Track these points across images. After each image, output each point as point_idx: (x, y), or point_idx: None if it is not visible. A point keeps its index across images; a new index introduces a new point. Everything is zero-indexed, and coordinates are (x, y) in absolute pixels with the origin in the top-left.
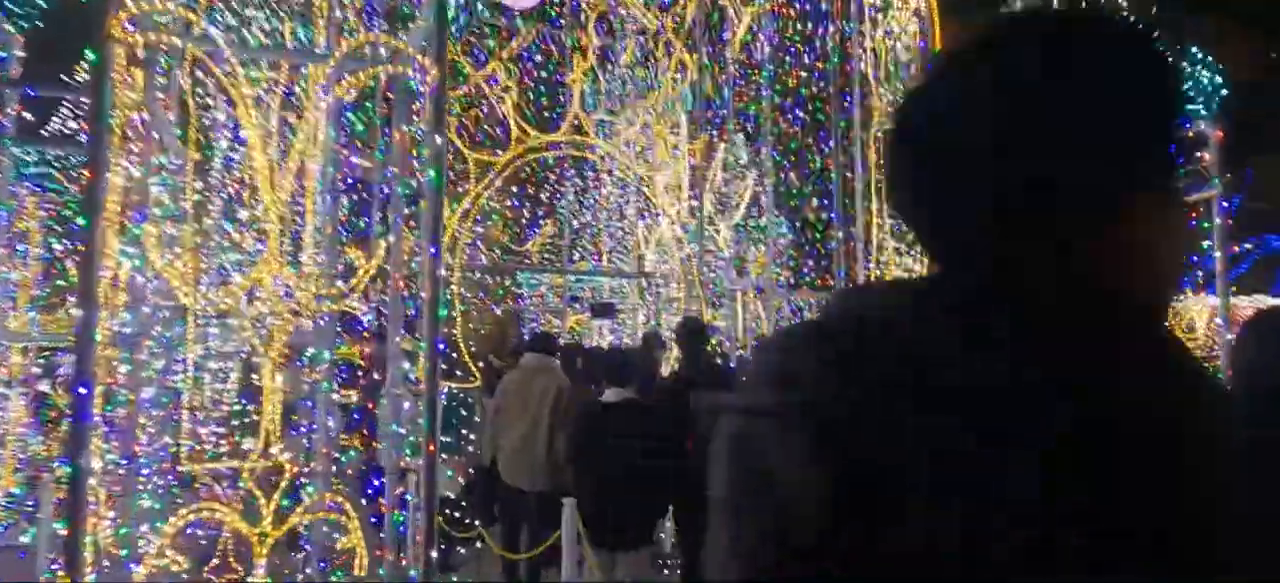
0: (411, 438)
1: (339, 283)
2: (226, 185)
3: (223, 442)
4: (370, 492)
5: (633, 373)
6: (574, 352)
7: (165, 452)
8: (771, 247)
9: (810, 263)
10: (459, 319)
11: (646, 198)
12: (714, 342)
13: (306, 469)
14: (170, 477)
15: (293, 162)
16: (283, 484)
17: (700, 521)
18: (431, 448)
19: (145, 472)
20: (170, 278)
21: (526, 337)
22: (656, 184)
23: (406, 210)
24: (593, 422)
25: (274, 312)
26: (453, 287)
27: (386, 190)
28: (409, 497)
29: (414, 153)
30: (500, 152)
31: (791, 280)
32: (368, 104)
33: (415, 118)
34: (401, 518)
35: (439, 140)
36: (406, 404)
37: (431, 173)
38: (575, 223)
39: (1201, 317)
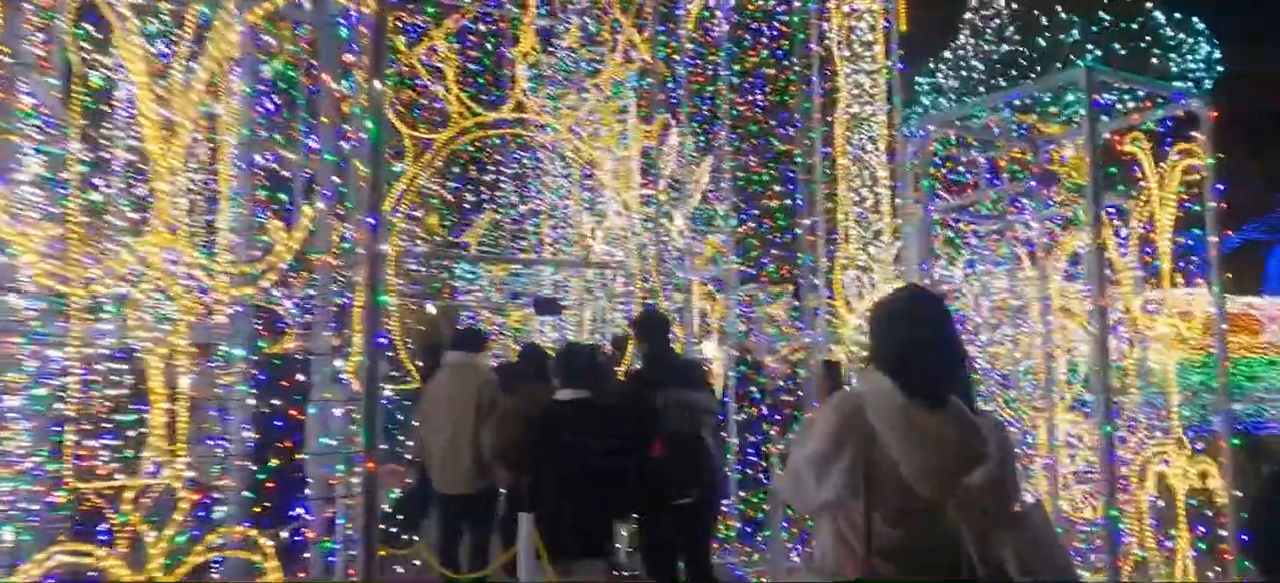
0: (344, 450)
1: (255, 266)
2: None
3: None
4: (291, 516)
5: (589, 370)
6: (535, 352)
7: (41, 471)
8: (730, 237)
9: (772, 253)
10: (395, 314)
11: (594, 186)
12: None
13: (211, 494)
14: (48, 502)
15: (186, 108)
16: (176, 516)
17: (666, 525)
18: (372, 465)
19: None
20: (24, 253)
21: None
22: (604, 171)
23: (335, 179)
24: (549, 421)
25: (174, 297)
26: (389, 276)
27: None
28: (340, 521)
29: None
30: (439, 129)
31: (751, 272)
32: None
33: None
34: (330, 546)
35: (378, 87)
36: (337, 411)
37: (369, 126)
38: (518, 211)
39: (1197, 307)
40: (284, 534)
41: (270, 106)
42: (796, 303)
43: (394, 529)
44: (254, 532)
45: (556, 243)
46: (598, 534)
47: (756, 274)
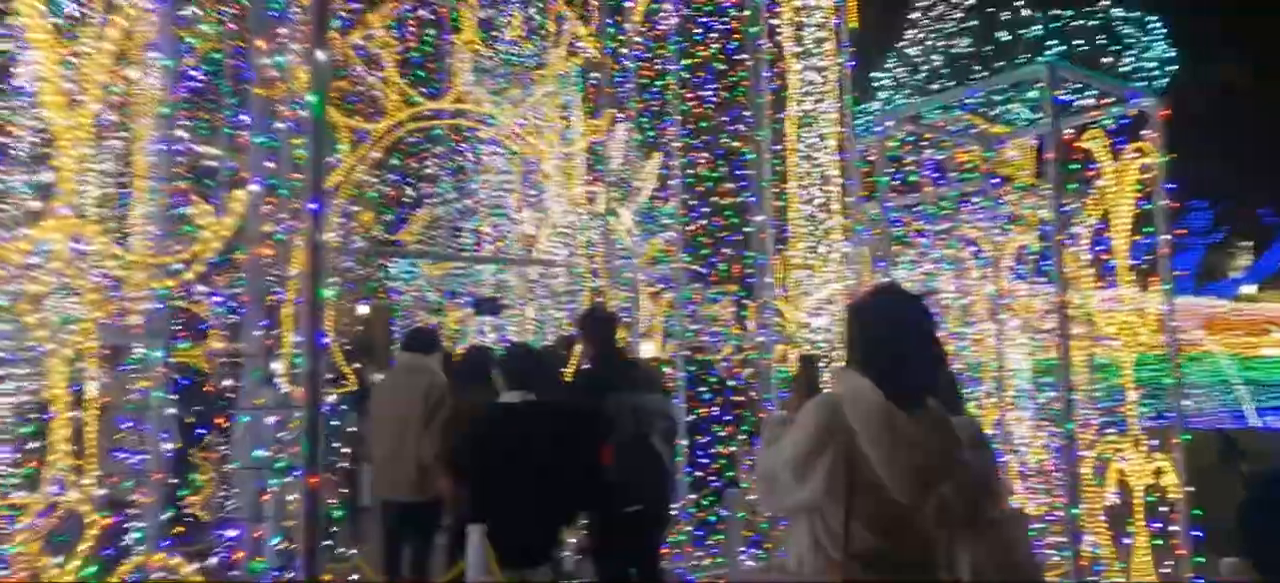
0: (278, 462)
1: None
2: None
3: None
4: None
5: (535, 372)
6: (480, 355)
7: None
8: (679, 235)
9: (722, 252)
10: (329, 316)
11: (537, 181)
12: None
13: (124, 512)
14: None
15: (94, 74)
16: (85, 542)
17: (615, 532)
18: (314, 480)
19: None
20: None
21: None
22: (548, 167)
23: (268, 164)
24: (491, 426)
25: (80, 293)
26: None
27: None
28: (274, 541)
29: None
30: (375, 120)
31: (701, 270)
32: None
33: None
34: (263, 567)
35: (321, 57)
36: (270, 419)
37: (311, 100)
38: (458, 207)
39: (1153, 302)
40: (212, 560)
41: (194, 85)
42: (746, 302)
43: (328, 543)
44: (175, 559)
45: (498, 240)
46: (541, 543)
47: (707, 273)
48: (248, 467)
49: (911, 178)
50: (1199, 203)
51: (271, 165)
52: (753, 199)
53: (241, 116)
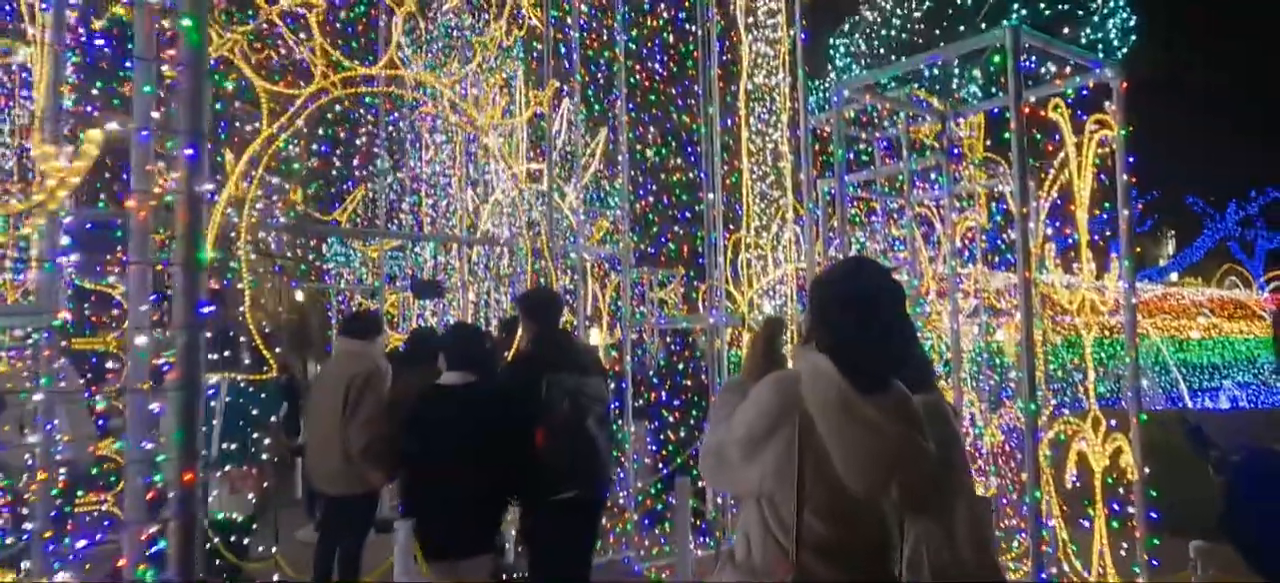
0: (163, 457)
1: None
2: None
3: None
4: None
5: (478, 354)
6: (425, 337)
7: None
8: (626, 213)
9: (671, 231)
10: (248, 297)
11: (478, 157)
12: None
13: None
14: None
15: None
16: None
17: (548, 519)
18: (189, 476)
19: None
20: None
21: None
22: (490, 141)
23: (154, 116)
24: (424, 409)
25: None
26: (241, 253)
27: None
28: (163, 544)
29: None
30: (302, 85)
31: (651, 250)
32: None
33: None
34: (148, 577)
35: None
36: (156, 407)
37: (185, 24)
38: (395, 183)
39: (1111, 280)
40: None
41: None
42: (698, 284)
43: (248, 541)
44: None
45: (439, 219)
46: (476, 531)
47: (656, 254)
48: (134, 460)
49: (864, 155)
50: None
51: (157, 115)
52: (702, 175)
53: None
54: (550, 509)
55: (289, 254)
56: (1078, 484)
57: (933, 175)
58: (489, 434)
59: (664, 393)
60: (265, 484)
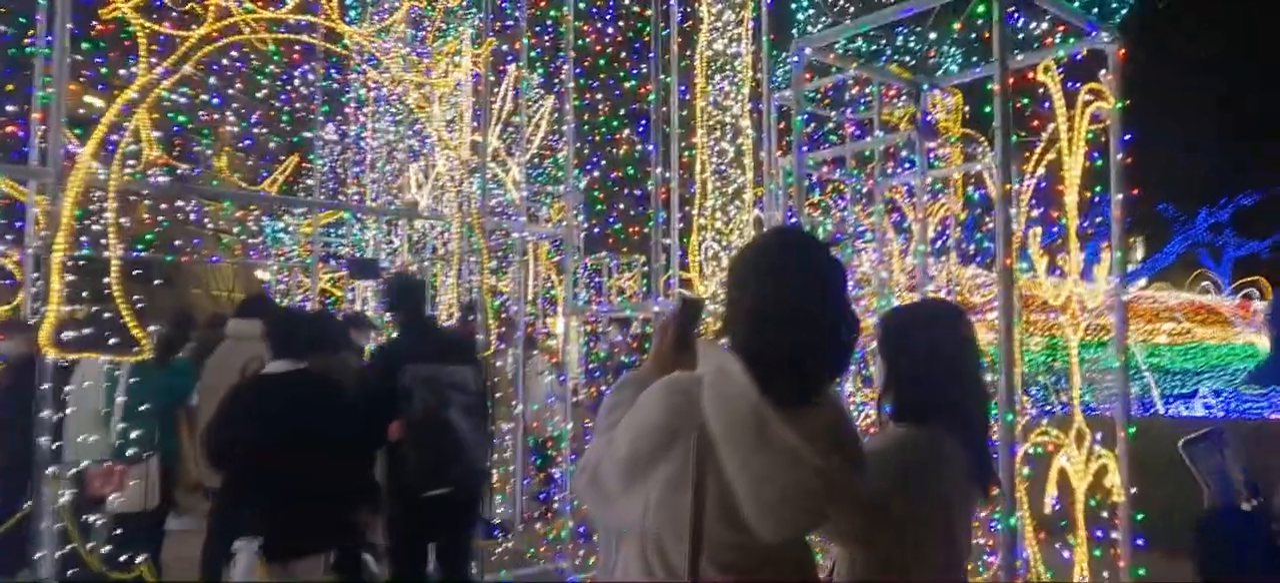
0: None
1: None
2: None
3: None
4: None
5: (312, 338)
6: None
7: None
8: (571, 189)
9: (618, 210)
10: (116, 267)
11: (412, 122)
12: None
13: None
14: None
15: None
16: None
17: (412, 519)
18: None
19: None
20: None
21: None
22: (415, 99)
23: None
24: (247, 400)
25: None
26: (108, 208)
27: None
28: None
29: None
30: (195, 26)
31: (595, 230)
32: None
33: None
34: None
35: None
36: None
37: None
38: (321, 150)
39: (1101, 274)
40: None
41: None
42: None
43: (109, 548)
44: None
45: (382, 195)
46: (313, 530)
47: (602, 234)
48: None
49: (832, 136)
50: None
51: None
52: (652, 149)
53: None
54: (417, 508)
55: (224, 228)
56: (1058, 507)
57: (904, 155)
58: (316, 427)
59: (604, 388)
60: (132, 482)
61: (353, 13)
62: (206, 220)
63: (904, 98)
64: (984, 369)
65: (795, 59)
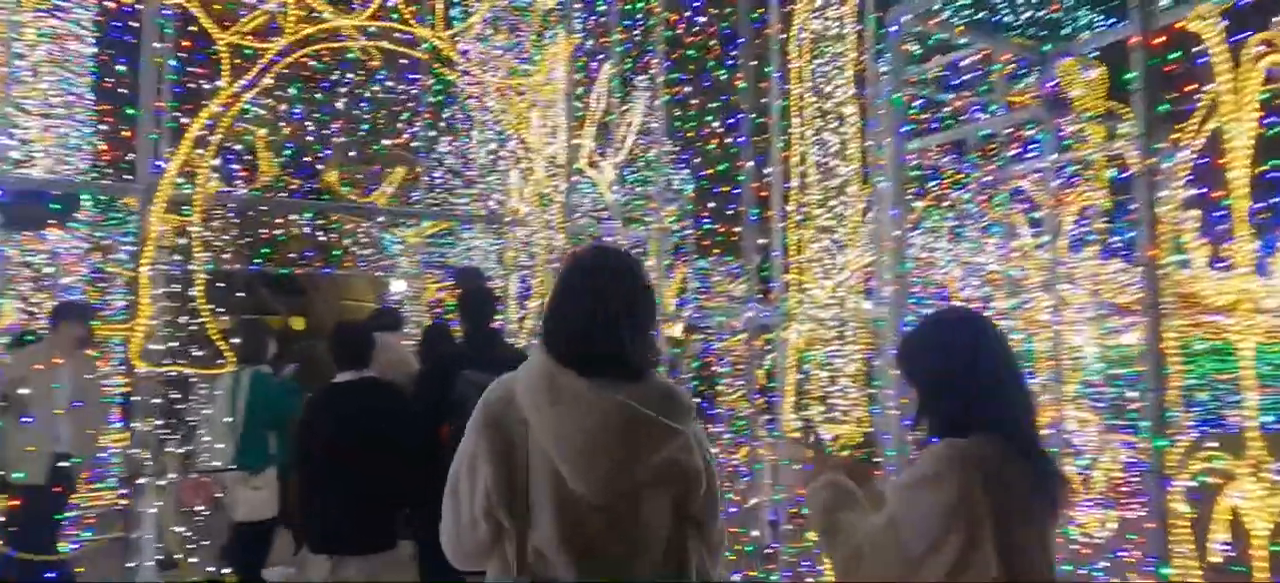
0: None
1: None
2: None
3: None
4: None
5: (361, 351)
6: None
7: None
8: (661, 189)
9: (708, 207)
10: (201, 280)
11: (513, 132)
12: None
13: None
14: None
15: None
16: None
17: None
18: None
19: None
20: None
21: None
22: (522, 116)
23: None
24: (315, 409)
25: None
26: (192, 229)
27: None
28: None
29: None
30: (272, 39)
31: (689, 229)
32: None
33: None
34: None
35: None
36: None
37: None
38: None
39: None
40: None
41: None
42: (766, 274)
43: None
44: None
45: (487, 204)
46: (369, 529)
47: (706, 237)
48: None
49: (948, 124)
50: None
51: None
52: (743, 140)
53: None
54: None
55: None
56: (1231, 554)
57: (1034, 135)
58: (377, 433)
59: (702, 399)
60: (217, 495)
61: (455, 14)
62: (319, 233)
63: (1032, 74)
64: (1021, 376)
65: (893, 28)
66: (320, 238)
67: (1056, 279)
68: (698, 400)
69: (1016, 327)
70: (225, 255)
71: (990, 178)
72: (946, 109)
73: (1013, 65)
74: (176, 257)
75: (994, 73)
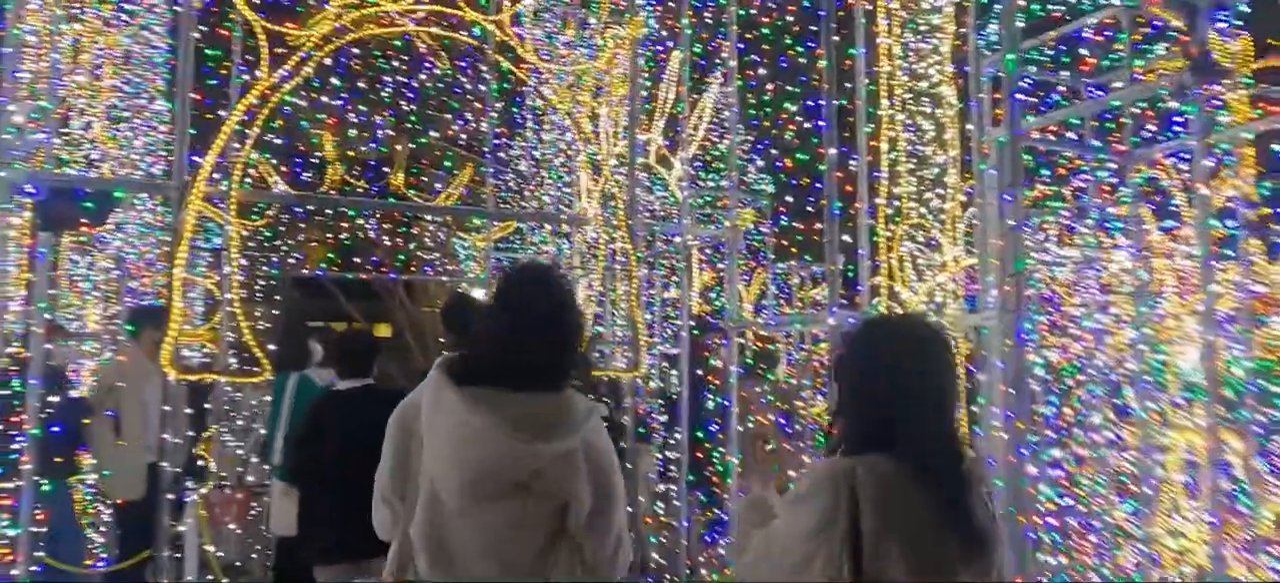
0: None
1: None
2: None
3: None
4: None
5: (363, 360)
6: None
7: None
8: (732, 185)
9: (786, 202)
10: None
11: (568, 122)
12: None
13: None
14: None
15: None
16: None
17: None
18: None
19: None
20: None
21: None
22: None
23: None
24: (317, 417)
25: None
26: (230, 229)
27: None
28: None
29: None
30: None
31: (765, 228)
32: None
33: None
34: None
35: None
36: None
37: None
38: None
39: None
40: None
41: None
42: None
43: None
44: None
45: (554, 203)
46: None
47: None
48: None
49: (1062, 103)
50: None
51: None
52: (823, 127)
53: None
54: None
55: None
56: None
57: (1166, 107)
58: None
59: (776, 416)
60: (252, 511)
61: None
62: (384, 238)
63: (1162, 46)
64: (943, 398)
65: None
66: (386, 243)
67: (1197, 280)
68: (777, 418)
69: (1156, 338)
70: (293, 258)
71: (1118, 163)
72: (1061, 89)
73: (1145, 29)
74: (243, 261)
75: (1120, 42)
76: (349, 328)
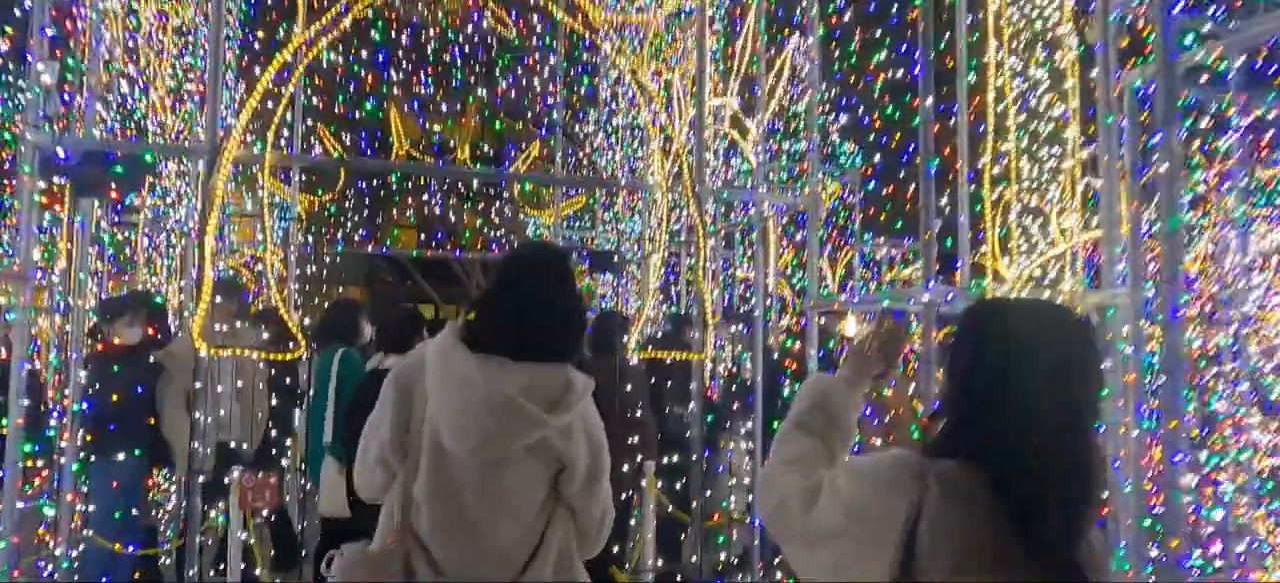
0: None
1: None
2: None
3: None
4: None
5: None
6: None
7: None
8: (813, 146)
9: (876, 165)
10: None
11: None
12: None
13: None
14: None
15: None
16: None
17: None
18: None
19: None
20: None
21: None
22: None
23: None
24: (357, 397)
25: None
26: (262, 194)
27: None
28: None
29: None
30: None
31: (852, 198)
32: None
33: None
34: None
35: None
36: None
37: None
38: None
39: None
40: None
41: None
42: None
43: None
44: None
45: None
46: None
47: (862, 204)
48: None
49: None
50: None
51: None
52: (918, 75)
53: None
54: None
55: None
56: None
57: None
58: None
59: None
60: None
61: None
62: (451, 214)
63: None
64: (1030, 399)
65: None
66: (452, 219)
67: None
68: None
69: None
70: (358, 235)
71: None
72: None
73: None
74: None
75: None
76: (387, 308)
